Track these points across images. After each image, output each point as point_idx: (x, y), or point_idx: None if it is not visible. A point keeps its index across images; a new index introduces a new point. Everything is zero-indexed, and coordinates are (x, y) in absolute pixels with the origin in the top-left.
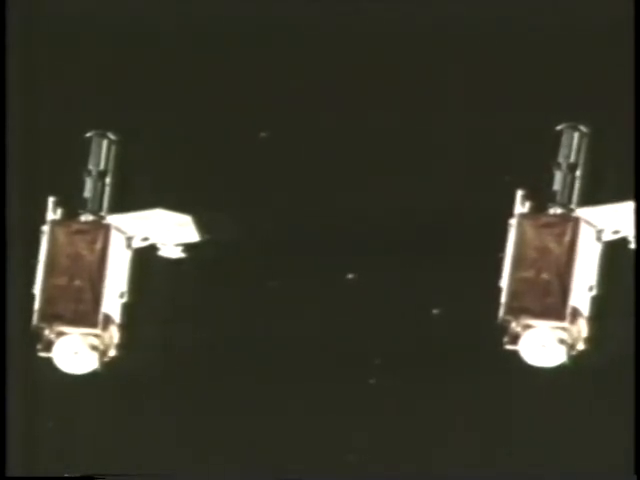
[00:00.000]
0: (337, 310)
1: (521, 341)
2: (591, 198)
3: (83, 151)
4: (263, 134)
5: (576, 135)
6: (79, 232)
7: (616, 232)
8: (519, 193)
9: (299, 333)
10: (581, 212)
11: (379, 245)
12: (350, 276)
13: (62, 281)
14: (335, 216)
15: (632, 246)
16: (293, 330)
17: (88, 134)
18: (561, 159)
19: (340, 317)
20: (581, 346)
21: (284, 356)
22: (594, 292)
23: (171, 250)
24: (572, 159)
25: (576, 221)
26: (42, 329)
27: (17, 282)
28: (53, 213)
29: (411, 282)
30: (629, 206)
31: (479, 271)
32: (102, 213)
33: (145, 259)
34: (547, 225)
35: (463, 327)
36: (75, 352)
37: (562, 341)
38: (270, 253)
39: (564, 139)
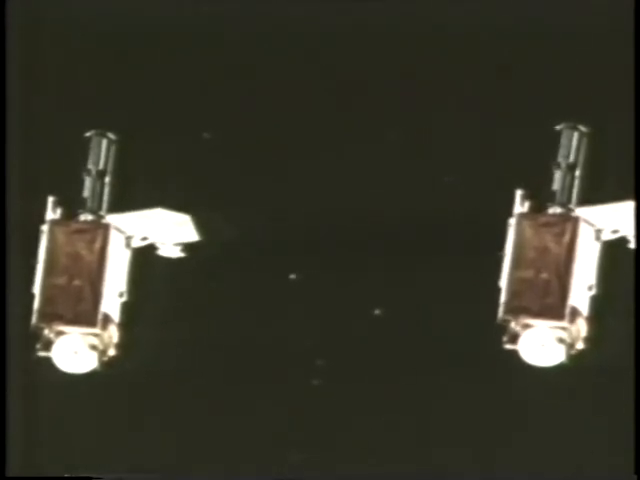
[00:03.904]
0: (280, 310)
1: (520, 340)
2: (590, 198)
3: (82, 151)
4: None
5: (575, 135)
6: (78, 232)
7: (615, 232)
8: (518, 193)
9: (242, 333)
10: (580, 212)
11: (327, 245)
12: (292, 276)
13: (61, 281)
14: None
15: (631, 245)
16: (218, 330)
17: (87, 134)
18: (560, 159)
19: (283, 317)
20: (580, 345)
21: (209, 356)
22: (593, 291)
23: (170, 249)
24: (571, 159)
25: (575, 221)
26: (41, 329)
27: (17, 282)
28: (52, 213)
29: (355, 282)
30: (628, 206)
31: (478, 271)
32: (101, 212)
33: (144, 258)
34: (546, 225)
35: (461, 326)
36: (74, 351)
37: (561, 340)
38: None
39: (563, 139)
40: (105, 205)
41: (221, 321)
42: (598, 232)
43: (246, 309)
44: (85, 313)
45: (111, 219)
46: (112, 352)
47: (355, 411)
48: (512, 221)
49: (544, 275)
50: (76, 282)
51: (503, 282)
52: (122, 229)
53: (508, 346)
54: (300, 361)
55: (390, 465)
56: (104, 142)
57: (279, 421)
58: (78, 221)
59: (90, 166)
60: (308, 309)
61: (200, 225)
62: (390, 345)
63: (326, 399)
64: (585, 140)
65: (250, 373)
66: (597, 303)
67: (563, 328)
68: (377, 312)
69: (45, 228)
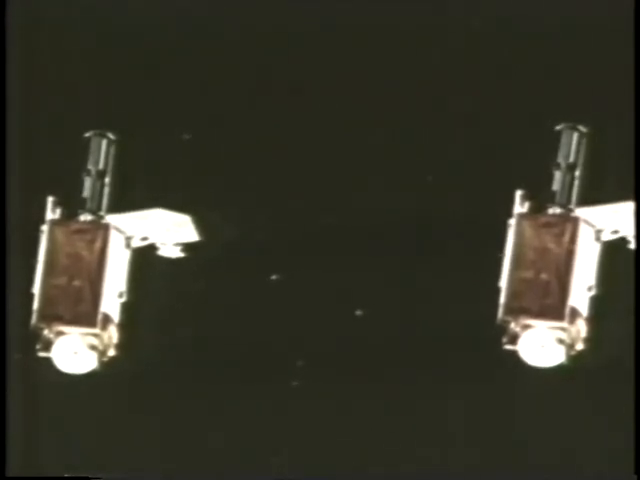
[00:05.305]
0: (261, 311)
1: (520, 341)
2: (590, 198)
3: (82, 151)
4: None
5: (575, 135)
6: (78, 232)
7: (615, 232)
8: (518, 193)
9: (224, 333)
10: (580, 212)
11: (312, 247)
12: (274, 277)
13: (61, 281)
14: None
15: (631, 246)
16: (218, 330)
17: (87, 134)
18: (560, 159)
19: (263, 318)
20: (580, 346)
21: (209, 356)
22: (593, 292)
23: (170, 250)
24: (571, 159)
25: (575, 221)
26: (41, 329)
27: (17, 282)
28: (52, 213)
29: (336, 283)
30: (628, 206)
31: (478, 271)
32: (101, 213)
33: (144, 259)
34: (546, 225)
35: (461, 327)
36: (74, 352)
37: (561, 341)
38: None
39: (563, 139)
40: (105, 205)
41: (220, 321)
42: (598, 232)
43: (244, 309)
44: (85, 313)
45: (111, 219)
46: (112, 352)
47: (336, 412)
48: (512, 221)
49: (544, 276)
50: (76, 282)
51: (503, 282)
52: (122, 229)
53: (508, 347)
54: (280, 362)
55: (375, 466)
56: (104, 142)
57: (259, 422)
58: (78, 221)
59: (90, 166)
60: (289, 310)
61: (200, 225)
62: (378, 346)
63: (306, 400)
64: (585, 140)
65: (237, 373)
66: (597, 304)
67: (563, 329)
68: (358, 313)
69: (45, 228)
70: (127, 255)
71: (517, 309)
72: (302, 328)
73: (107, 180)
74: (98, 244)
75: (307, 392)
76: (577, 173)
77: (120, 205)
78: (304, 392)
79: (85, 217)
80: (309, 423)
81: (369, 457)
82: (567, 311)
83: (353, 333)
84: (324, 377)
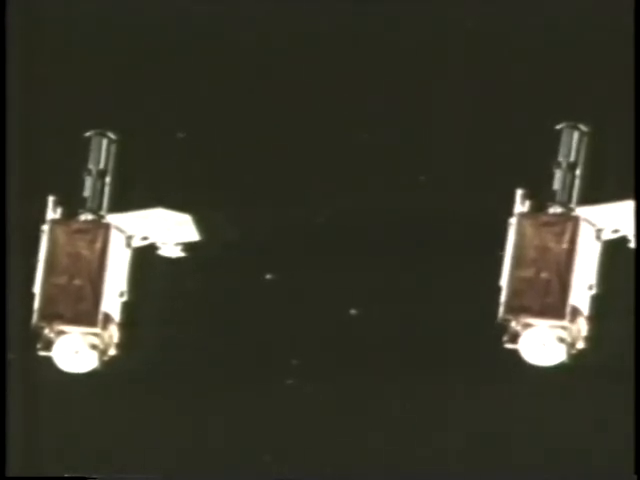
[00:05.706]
0: (260, 310)
1: (521, 340)
2: (591, 197)
3: (83, 150)
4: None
5: (576, 134)
6: (79, 231)
7: (615, 231)
8: (519, 192)
9: (223, 333)
10: (581, 211)
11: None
12: (268, 276)
13: (62, 280)
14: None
15: (632, 245)
16: (218, 329)
17: (88, 133)
18: (561, 158)
19: (262, 317)
20: (581, 345)
21: (209, 356)
22: (594, 291)
23: (171, 249)
24: (572, 158)
25: (576, 220)
26: (42, 328)
27: (17, 282)
28: (53, 212)
29: (336, 283)
30: (629, 205)
31: (478, 271)
32: (102, 212)
33: (145, 258)
34: (547, 224)
35: (461, 326)
36: (75, 351)
37: (562, 340)
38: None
39: (564, 138)
40: (105, 205)
41: (220, 321)
42: (598, 231)
43: (244, 309)
44: (85, 313)
45: (111, 219)
46: (112, 352)
47: (329, 411)
48: (512, 220)
49: (544, 274)
50: (76, 282)
51: (504, 281)
52: (122, 229)
53: (508, 345)
54: (275, 361)
55: (375, 466)
56: (104, 142)
57: (254, 420)
58: (78, 221)
59: (90, 166)
60: (289, 309)
61: (200, 225)
62: (378, 345)
63: (300, 399)
64: (585, 139)
65: (236, 372)
66: (597, 302)
67: (564, 327)
68: (353, 312)
69: (46, 228)
70: (128, 254)
71: (518, 308)
72: (301, 327)
73: (107, 179)
74: (99, 243)
75: (302, 391)
76: (578, 172)
77: (120, 204)
78: (299, 391)
79: (86, 216)
80: (303, 422)
81: (367, 457)
82: (568, 310)
83: (352, 333)
84: (320, 376)
